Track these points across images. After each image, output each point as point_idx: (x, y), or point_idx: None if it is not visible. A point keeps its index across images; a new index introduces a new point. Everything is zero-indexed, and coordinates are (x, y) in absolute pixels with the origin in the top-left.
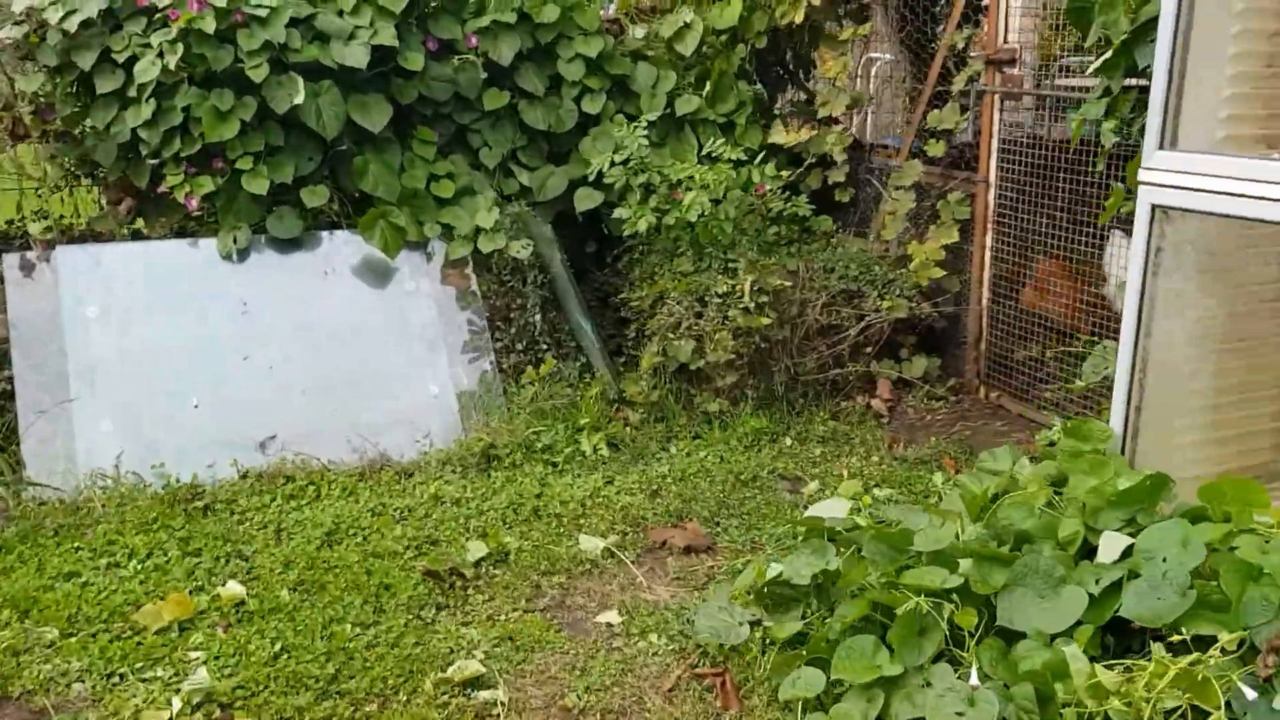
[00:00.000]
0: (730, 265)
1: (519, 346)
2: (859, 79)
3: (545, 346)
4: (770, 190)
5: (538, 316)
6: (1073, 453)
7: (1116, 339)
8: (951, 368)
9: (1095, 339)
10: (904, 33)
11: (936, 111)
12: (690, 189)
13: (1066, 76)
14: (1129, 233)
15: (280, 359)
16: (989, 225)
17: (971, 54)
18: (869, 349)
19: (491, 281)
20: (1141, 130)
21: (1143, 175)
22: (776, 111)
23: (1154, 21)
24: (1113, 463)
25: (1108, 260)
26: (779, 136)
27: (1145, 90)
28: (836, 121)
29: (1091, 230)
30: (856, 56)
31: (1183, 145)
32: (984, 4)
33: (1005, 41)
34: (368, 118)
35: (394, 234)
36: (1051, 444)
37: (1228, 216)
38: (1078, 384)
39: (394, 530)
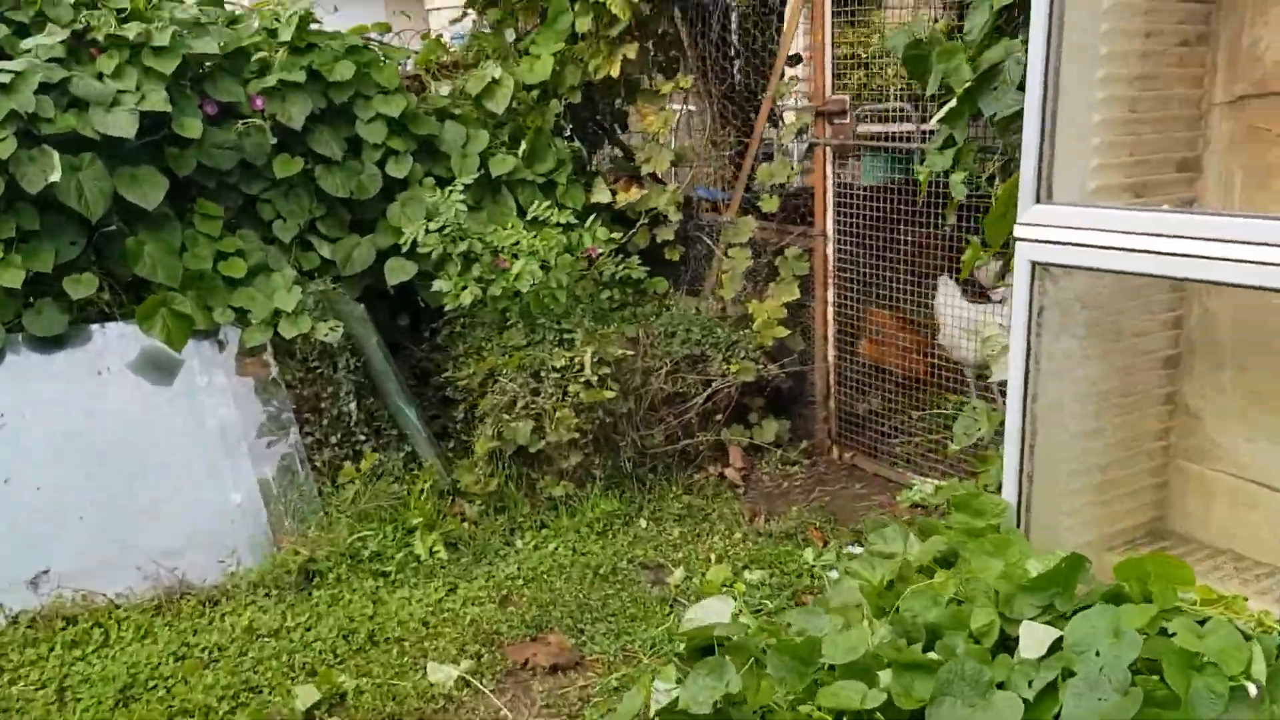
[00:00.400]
0: (566, 336)
1: (333, 440)
2: (677, 133)
3: (363, 437)
4: (602, 253)
5: (352, 405)
6: (967, 530)
7: (956, 389)
8: (802, 429)
9: (963, 400)
10: (712, 82)
11: (767, 165)
12: (518, 256)
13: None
14: (956, 279)
15: (50, 479)
16: (830, 280)
17: (783, 104)
18: (718, 416)
19: (296, 369)
20: (990, 180)
21: (1019, 231)
22: (594, 168)
23: (996, 69)
24: (1016, 542)
25: (939, 308)
26: (601, 195)
27: (989, 140)
28: (658, 179)
29: (935, 280)
30: (678, 109)
31: (1058, 197)
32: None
33: (833, 92)
34: (139, 193)
35: (178, 323)
36: (916, 506)
37: (1114, 272)
38: (951, 448)
39: (203, 678)
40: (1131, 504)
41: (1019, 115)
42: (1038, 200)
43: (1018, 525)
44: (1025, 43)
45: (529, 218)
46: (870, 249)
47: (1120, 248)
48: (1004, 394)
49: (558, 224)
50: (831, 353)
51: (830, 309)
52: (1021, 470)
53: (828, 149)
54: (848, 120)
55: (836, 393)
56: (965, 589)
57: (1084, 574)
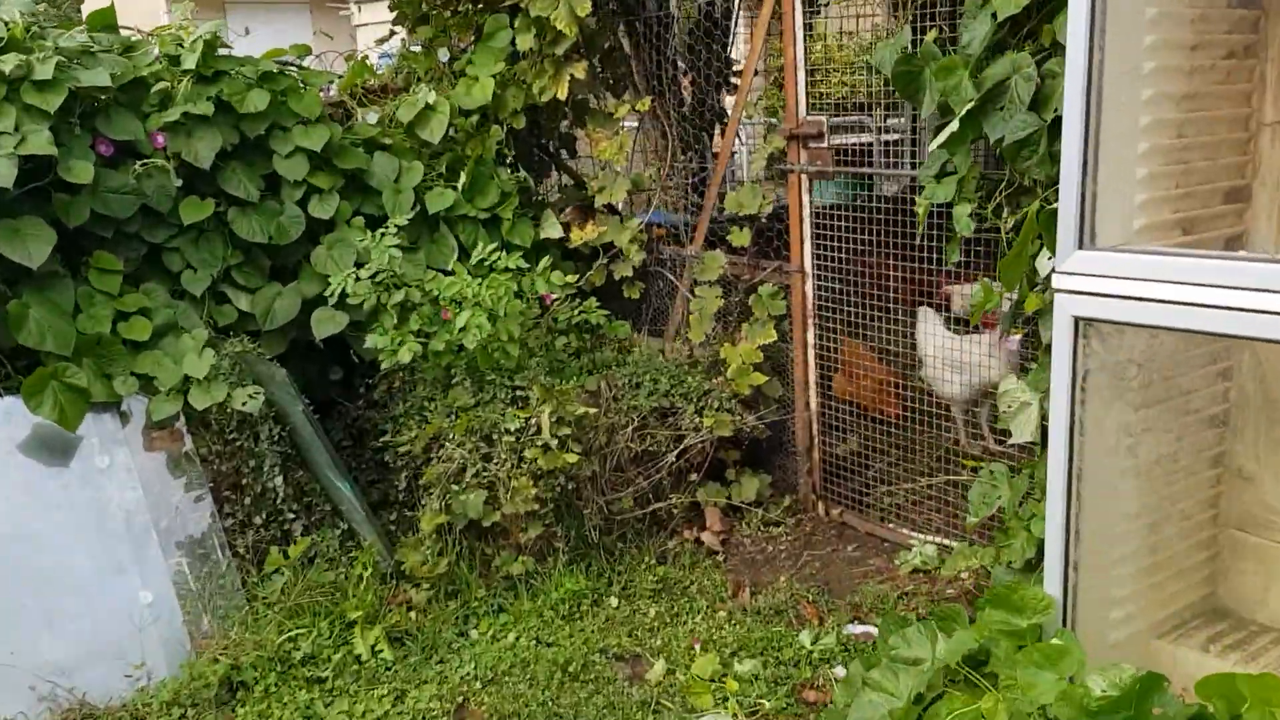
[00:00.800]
0: (520, 393)
1: (258, 520)
2: (633, 159)
3: (293, 515)
4: (557, 299)
5: (278, 479)
6: (1005, 630)
7: (937, 423)
8: (783, 482)
9: (980, 463)
10: (670, 103)
11: (735, 193)
12: (462, 306)
13: None
14: (937, 307)
15: None
16: (810, 320)
17: (750, 124)
18: (692, 474)
19: (213, 442)
20: (997, 210)
21: (1058, 281)
22: (541, 198)
23: (1002, 87)
24: (1071, 651)
25: (920, 340)
26: (551, 230)
27: (990, 168)
28: (614, 210)
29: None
30: (634, 134)
31: (1101, 240)
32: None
33: (807, 113)
34: (21, 249)
35: (72, 398)
36: (918, 571)
37: (1181, 331)
38: (969, 520)
39: None
40: (1181, 583)
41: (1031, 140)
42: (1080, 245)
43: (1064, 622)
44: (1036, 56)
45: (474, 261)
46: (855, 285)
47: (1187, 302)
48: (1023, 450)
49: (507, 268)
50: (813, 399)
51: (811, 352)
52: (1067, 560)
53: (803, 176)
54: (825, 144)
55: (820, 443)
56: (1012, 707)
57: (1161, 696)
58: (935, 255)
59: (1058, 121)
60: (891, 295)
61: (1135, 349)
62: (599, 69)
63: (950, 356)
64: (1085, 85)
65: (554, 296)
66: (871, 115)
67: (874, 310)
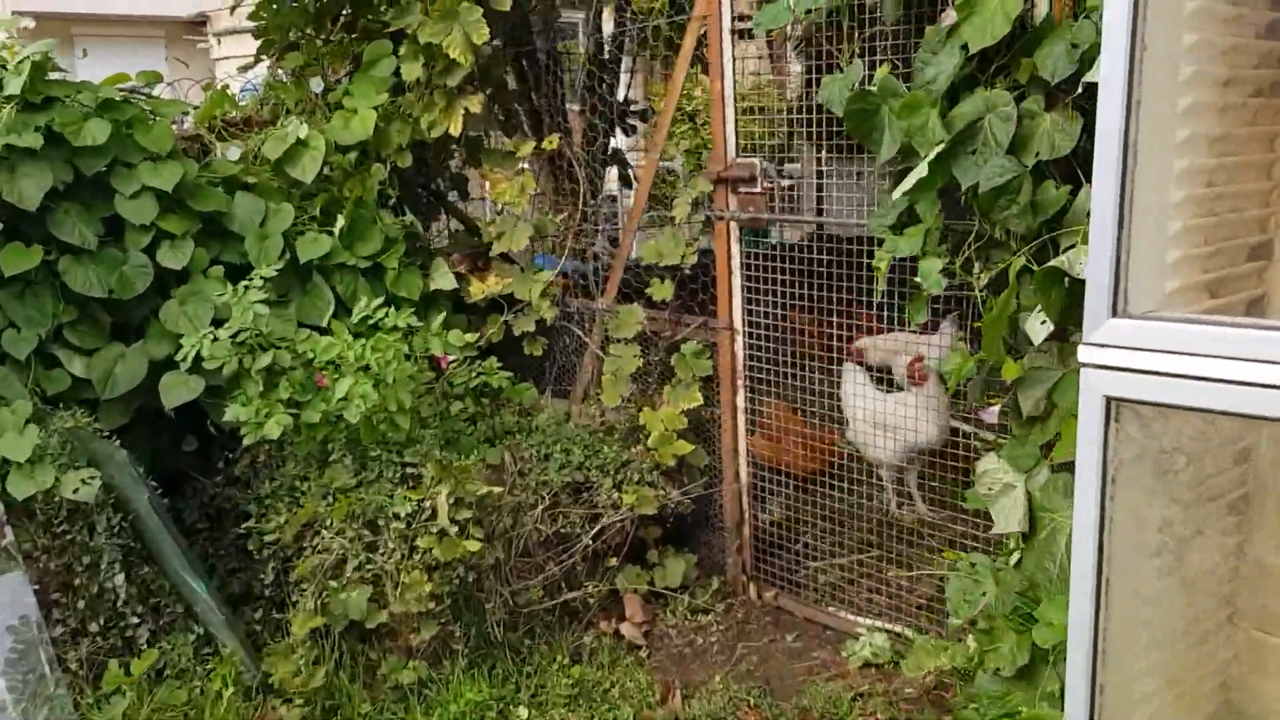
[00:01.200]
0: (411, 471)
1: (94, 628)
2: (536, 202)
3: (137, 620)
4: (454, 361)
5: (119, 578)
6: None
7: (864, 486)
8: (709, 561)
9: (961, 554)
10: (578, 142)
11: (654, 242)
12: (342, 371)
13: None
14: (863, 364)
15: None
16: (740, 382)
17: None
18: (610, 558)
19: (39, 535)
20: (967, 267)
21: (1087, 355)
22: (426, 243)
23: (975, 128)
24: None
25: (846, 398)
26: (443, 280)
27: (953, 216)
28: (510, 259)
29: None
30: (550, 174)
31: (1134, 307)
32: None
33: (737, 154)
34: None
35: None
36: (869, 665)
37: (1241, 416)
38: (951, 621)
39: None
40: (1200, 690)
41: (1009, 187)
42: (1114, 312)
43: None
44: (1014, 92)
45: (355, 318)
46: (792, 343)
47: (1246, 381)
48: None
49: (395, 327)
50: (744, 470)
51: (741, 417)
52: (1094, 683)
53: (732, 224)
54: (759, 189)
55: (752, 518)
56: None
57: None
58: (890, 311)
59: (1040, 167)
60: (832, 353)
61: (1183, 435)
62: (492, 104)
63: (878, 416)
64: (1123, 123)
65: (451, 359)
66: (775, 161)
67: (813, 370)
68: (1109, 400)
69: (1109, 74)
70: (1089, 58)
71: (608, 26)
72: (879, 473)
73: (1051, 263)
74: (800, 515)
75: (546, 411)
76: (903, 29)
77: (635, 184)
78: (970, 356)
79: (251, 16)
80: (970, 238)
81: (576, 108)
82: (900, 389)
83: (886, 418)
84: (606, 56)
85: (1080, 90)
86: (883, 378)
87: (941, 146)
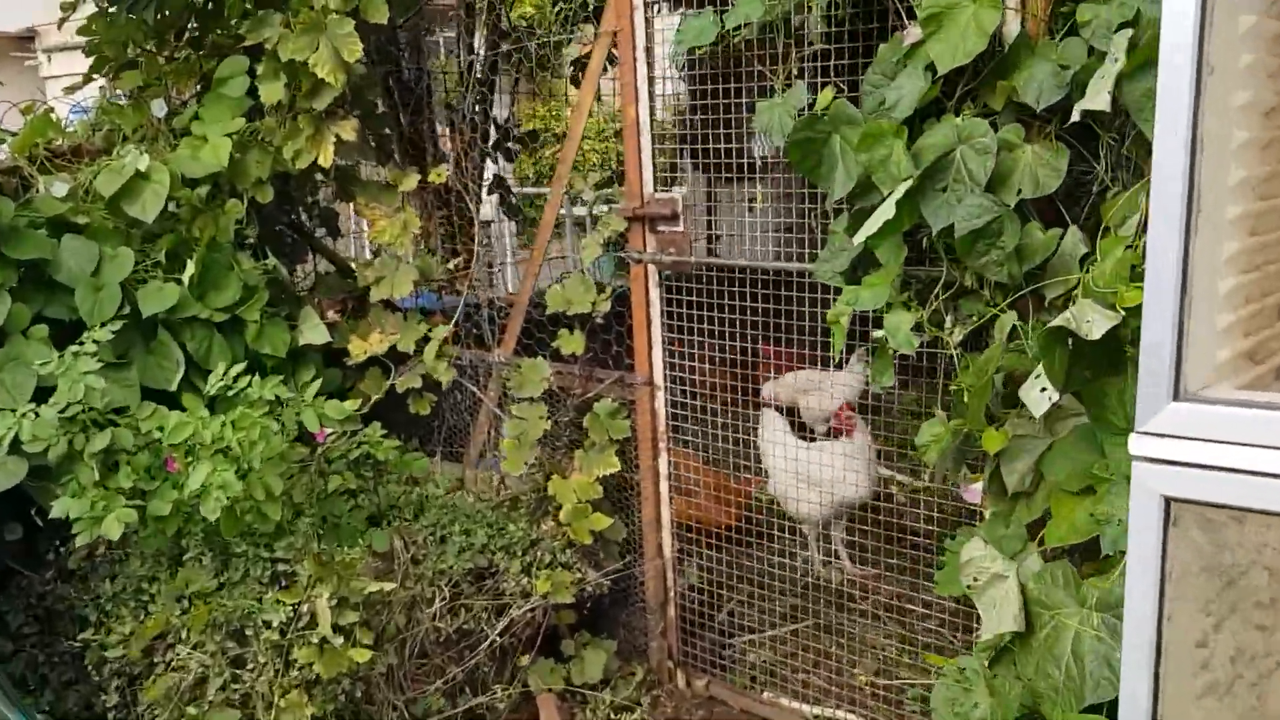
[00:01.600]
0: (284, 568)
1: None
2: (423, 241)
3: None
4: (333, 434)
5: None
6: None
7: (791, 551)
8: (629, 646)
9: (945, 659)
10: (469, 174)
11: (559, 288)
12: (198, 456)
13: None
14: (781, 409)
15: None
16: (662, 444)
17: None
18: (521, 655)
19: None
20: (936, 320)
21: (1139, 446)
22: (290, 290)
23: (946, 160)
24: None
25: (764, 448)
26: (313, 333)
27: (910, 264)
28: (393, 306)
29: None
30: (421, 206)
31: (1191, 384)
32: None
33: (655, 189)
34: None
35: None
36: None
37: None
38: None
39: None
40: None
41: (989, 230)
42: (1175, 395)
43: None
44: (992, 120)
45: (212, 386)
46: (720, 398)
47: None
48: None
49: (264, 400)
50: (668, 543)
51: (664, 483)
52: None
53: (651, 268)
54: (682, 228)
55: (678, 597)
56: None
57: None
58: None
59: (1022, 206)
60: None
61: (1265, 545)
62: (365, 131)
63: (801, 468)
64: (1188, 163)
65: (329, 433)
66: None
67: (734, 420)
68: (1168, 501)
69: (1171, 103)
70: (1080, 81)
71: (480, 44)
72: (802, 529)
73: (1055, 322)
74: (722, 581)
75: (436, 479)
76: (846, 48)
77: (517, 215)
78: (947, 425)
79: (81, 31)
80: (938, 287)
81: (447, 132)
82: (812, 432)
83: (810, 470)
84: (480, 76)
85: (1068, 119)
86: (794, 421)
87: (909, 183)
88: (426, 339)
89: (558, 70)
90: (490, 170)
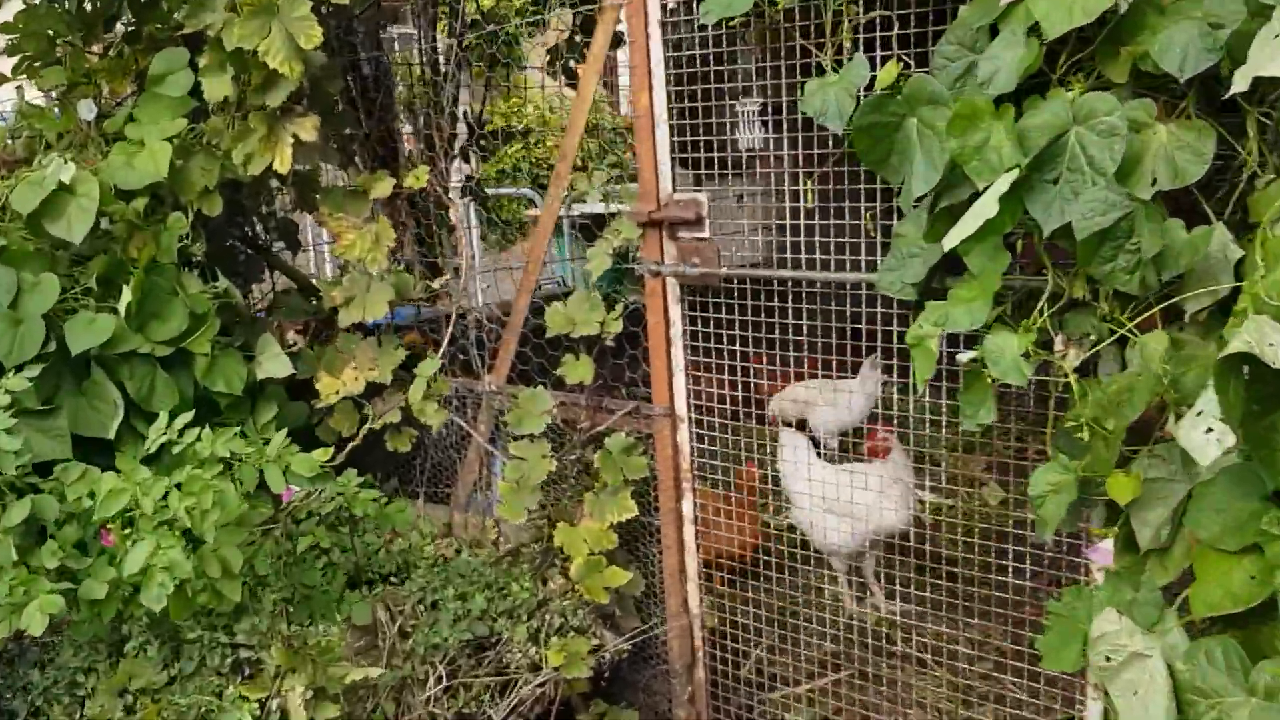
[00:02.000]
0: (247, 655)
1: None
2: (399, 255)
3: None
4: (300, 493)
5: None
6: None
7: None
8: (651, 709)
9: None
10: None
11: (560, 307)
12: (138, 529)
13: None
14: (805, 436)
15: None
16: (685, 484)
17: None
18: None
19: None
20: (1044, 341)
21: None
22: (245, 315)
23: (1060, 145)
24: None
25: (786, 474)
26: (274, 366)
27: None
28: (366, 329)
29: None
30: (391, 215)
31: None
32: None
33: (674, 188)
34: None
35: None
36: None
37: None
38: None
39: None
40: None
41: (1116, 231)
42: None
43: None
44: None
45: (153, 441)
46: (754, 430)
47: None
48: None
49: (218, 458)
50: (694, 597)
51: (689, 528)
52: None
53: (671, 281)
54: (708, 233)
55: (708, 657)
56: None
57: None
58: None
59: (1160, 199)
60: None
61: None
62: (327, 131)
63: (829, 496)
64: None
65: (296, 491)
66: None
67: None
68: None
69: None
70: (1237, 46)
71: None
72: (832, 563)
73: (1233, 346)
74: (746, 623)
75: (420, 527)
76: (898, 15)
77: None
78: (1068, 469)
79: (4, 29)
80: (1042, 300)
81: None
82: (818, 449)
83: (839, 498)
84: (448, 70)
85: (1210, 93)
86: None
87: (1016, 174)
88: (406, 366)
89: (524, 61)
90: (461, 172)
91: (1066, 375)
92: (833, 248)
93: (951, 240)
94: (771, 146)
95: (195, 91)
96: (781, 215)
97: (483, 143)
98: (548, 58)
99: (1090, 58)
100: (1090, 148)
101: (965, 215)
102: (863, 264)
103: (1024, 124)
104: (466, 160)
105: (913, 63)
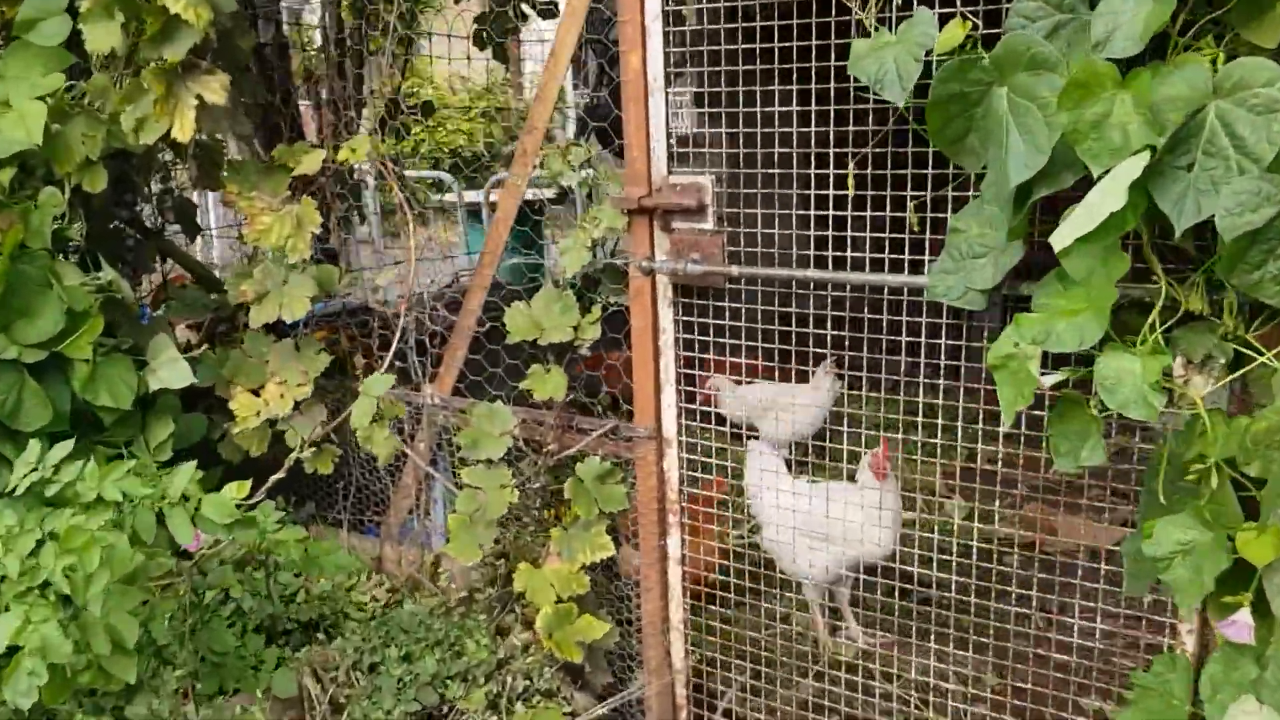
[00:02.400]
0: None
1: None
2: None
3: None
4: (210, 539)
5: None
6: None
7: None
8: None
9: None
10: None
11: (521, 308)
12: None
13: None
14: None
15: None
16: (672, 518)
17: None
18: None
19: None
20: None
21: None
22: (133, 311)
23: (1198, 122)
24: None
25: (751, 490)
26: (172, 375)
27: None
28: (282, 330)
29: None
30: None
31: None
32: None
33: (669, 169)
34: None
35: None
36: None
37: None
38: None
39: None
40: None
41: (1272, 229)
42: None
43: None
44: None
45: (21, 479)
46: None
47: None
48: None
49: (110, 501)
50: (678, 651)
51: (675, 570)
52: None
53: (661, 280)
54: (711, 224)
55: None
56: None
57: None
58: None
59: None
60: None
61: None
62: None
63: (803, 518)
64: None
65: (204, 536)
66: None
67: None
68: None
69: None
70: None
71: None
72: (804, 589)
73: None
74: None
75: (341, 554)
76: None
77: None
78: (1207, 525)
79: None
80: (1153, 314)
81: (310, 104)
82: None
83: (815, 521)
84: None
85: None
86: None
87: (1146, 157)
88: (334, 373)
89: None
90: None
91: (1180, 406)
92: (866, 244)
93: (1063, 239)
94: (777, 124)
95: (75, 42)
96: (803, 205)
97: (400, 119)
98: (474, 25)
99: (1223, 19)
100: (1239, 126)
101: (1077, 208)
102: (886, 264)
103: (1163, 92)
104: (398, 137)
105: (980, 23)
